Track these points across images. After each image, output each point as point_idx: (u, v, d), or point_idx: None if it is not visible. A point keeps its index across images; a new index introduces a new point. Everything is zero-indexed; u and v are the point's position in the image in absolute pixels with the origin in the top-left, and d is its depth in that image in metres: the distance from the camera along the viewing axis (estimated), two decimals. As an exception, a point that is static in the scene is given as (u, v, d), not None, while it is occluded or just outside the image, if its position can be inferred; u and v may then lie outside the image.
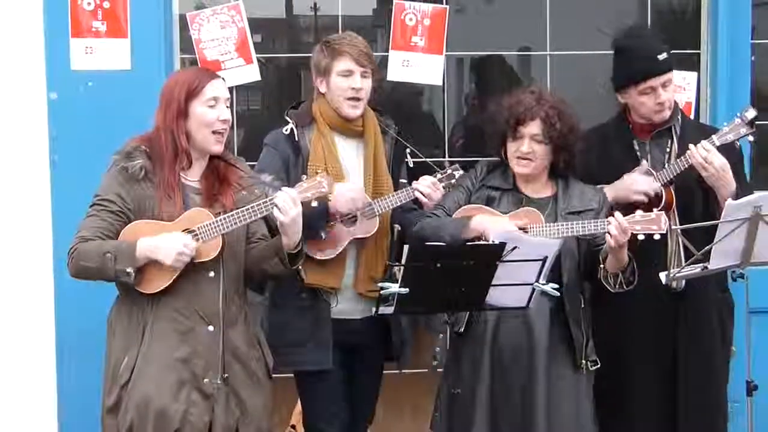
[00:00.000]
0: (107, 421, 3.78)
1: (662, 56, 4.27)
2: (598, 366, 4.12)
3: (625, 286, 3.99)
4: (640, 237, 3.89)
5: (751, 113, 4.18)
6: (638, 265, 3.98)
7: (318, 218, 4.10)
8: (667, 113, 4.31)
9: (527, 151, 4.07)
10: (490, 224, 4.00)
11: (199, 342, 3.75)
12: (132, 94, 4.78)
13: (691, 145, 4.18)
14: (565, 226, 4.00)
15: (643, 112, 4.32)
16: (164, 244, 3.66)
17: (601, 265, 3.99)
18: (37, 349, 4.98)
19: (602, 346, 4.19)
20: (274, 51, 5.95)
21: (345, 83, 4.25)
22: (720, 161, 4.12)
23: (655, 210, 3.97)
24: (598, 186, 4.24)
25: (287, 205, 3.68)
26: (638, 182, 4.23)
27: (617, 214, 3.90)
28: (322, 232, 4.18)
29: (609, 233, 3.85)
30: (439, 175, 4.29)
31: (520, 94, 4.14)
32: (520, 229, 4.00)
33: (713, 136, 4.21)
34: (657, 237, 3.91)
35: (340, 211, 4.17)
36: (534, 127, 4.05)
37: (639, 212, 3.92)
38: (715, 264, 3.95)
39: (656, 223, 3.90)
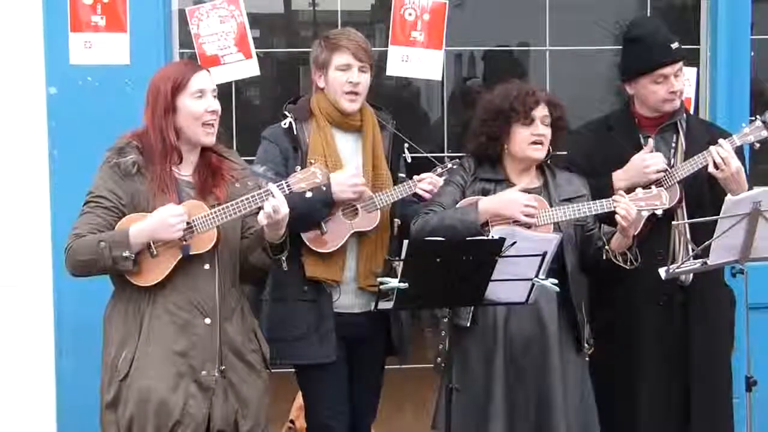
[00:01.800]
0: (107, 417, 3.77)
1: (675, 45, 4.30)
2: (591, 350, 4.17)
3: (634, 263, 4.01)
4: (644, 214, 3.92)
5: None
6: (644, 259, 4.01)
7: (320, 209, 4.10)
8: (678, 103, 4.33)
9: (542, 133, 4.11)
10: (500, 203, 4.05)
11: (197, 335, 3.75)
12: (131, 89, 4.77)
13: (712, 147, 4.17)
14: (572, 208, 4.04)
15: (653, 102, 4.32)
16: (156, 221, 3.65)
17: (606, 247, 4.02)
18: (36, 345, 4.98)
19: (612, 341, 4.21)
20: (273, 46, 5.95)
21: (343, 77, 4.25)
22: (736, 164, 4.13)
23: (653, 187, 4.00)
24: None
25: (270, 213, 3.67)
26: (650, 161, 4.23)
27: (620, 192, 3.96)
28: (324, 226, 4.18)
29: (619, 214, 3.90)
30: (439, 170, 4.30)
31: (516, 85, 4.18)
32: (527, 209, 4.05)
33: (734, 137, 4.20)
34: (659, 212, 3.95)
35: (344, 199, 4.17)
36: (543, 110, 4.11)
37: (640, 190, 3.98)
38: (714, 259, 3.96)
39: (658, 199, 3.96)
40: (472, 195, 4.18)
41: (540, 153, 4.13)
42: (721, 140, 4.17)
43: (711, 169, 4.14)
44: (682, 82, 4.33)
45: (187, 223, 3.69)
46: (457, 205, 4.16)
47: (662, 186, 4.17)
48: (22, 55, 4.91)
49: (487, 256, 3.70)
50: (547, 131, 4.11)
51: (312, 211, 4.04)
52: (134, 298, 3.76)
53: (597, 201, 4.05)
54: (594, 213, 4.05)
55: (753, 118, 4.27)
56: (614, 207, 3.94)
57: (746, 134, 4.22)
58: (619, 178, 4.26)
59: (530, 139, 4.11)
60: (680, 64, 4.30)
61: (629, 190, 4.02)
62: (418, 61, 5.16)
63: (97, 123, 4.75)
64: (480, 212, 4.05)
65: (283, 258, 3.89)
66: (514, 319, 4.06)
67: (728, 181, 4.15)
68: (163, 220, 3.65)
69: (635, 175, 4.23)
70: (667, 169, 4.24)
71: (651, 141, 4.30)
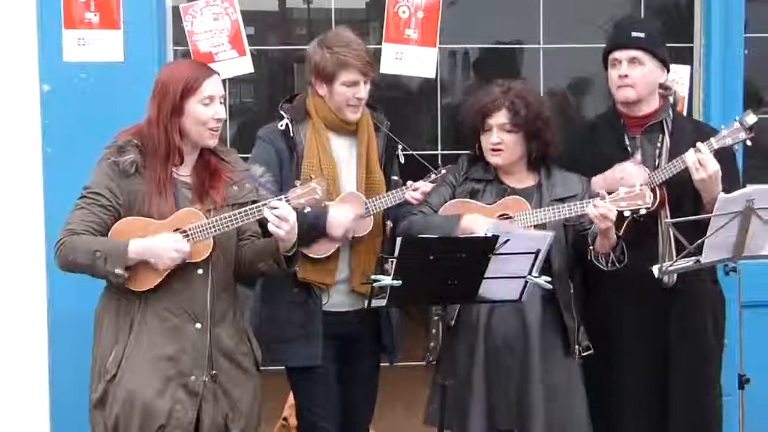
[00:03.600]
0: (94, 416, 3.76)
1: (636, 33, 4.31)
2: (591, 351, 4.17)
3: (617, 264, 4.01)
4: (627, 213, 3.92)
5: (752, 119, 4.12)
6: (629, 259, 4.01)
7: (310, 233, 4.08)
8: (631, 93, 4.30)
9: (496, 141, 4.13)
10: (479, 225, 4.03)
11: (187, 339, 3.74)
12: (125, 86, 4.77)
13: (691, 150, 4.16)
14: (551, 210, 4.05)
15: (612, 89, 4.37)
16: (157, 247, 3.65)
17: (591, 247, 4.02)
18: (29, 343, 4.97)
19: (594, 340, 4.20)
20: (268, 43, 5.94)
21: (350, 92, 4.22)
22: (714, 168, 4.09)
23: (638, 184, 3.99)
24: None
25: (279, 222, 3.67)
26: (630, 174, 4.21)
27: (602, 192, 3.96)
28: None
29: (592, 216, 3.90)
30: (433, 176, 4.29)
31: (488, 88, 4.21)
32: (506, 218, 4.04)
33: (711, 140, 4.17)
34: (643, 212, 3.94)
35: (334, 235, 4.16)
36: (500, 117, 4.12)
37: (622, 189, 3.96)
38: (707, 258, 3.96)
39: (641, 198, 3.94)
40: (461, 195, 4.19)
41: (497, 159, 4.15)
42: (698, 144, 4.15)
43: (691, 168, 4.12)
44: (640, 73, 4.29)
45: (184, 232, 3.70)
46: (443, 207, 4.19)
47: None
48: (15, 52, 4.90)
49: (479, 253, 3.70)
50: (508, 137, 4.11)
51: (302, 234, 3.95)
52: (126, 298, 3.74)
53: (576, 203, 4.05)
54: (573, 215, 4.03)
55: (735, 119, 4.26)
56: (592, 210, 3.91)
57: (724, 136, 4.17)
58: (596, 182, 4.25)
59: (489, 146, 4.14)
60: (634, 52, 4.29)
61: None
62: (411, 59, 5.16)
63: (91, 120, 4.75)
64: (460, 228, 4.05)
65: (296, 269, 3.91)
66: (497, 317, 4.07)
67: (703, 184, 4.12)
68: (164, 249, 3.64)
69: (612, 181, 4.21)
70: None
71: (638, 155, 4.29)
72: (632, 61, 4.30)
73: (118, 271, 3.62)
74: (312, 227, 4.06)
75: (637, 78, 4.29)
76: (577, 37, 5.50)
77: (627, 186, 4.07)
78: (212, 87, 3.78)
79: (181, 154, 3.78)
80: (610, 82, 4.38)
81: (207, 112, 3.76)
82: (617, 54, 4.32)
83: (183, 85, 3.73)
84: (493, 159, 4.16)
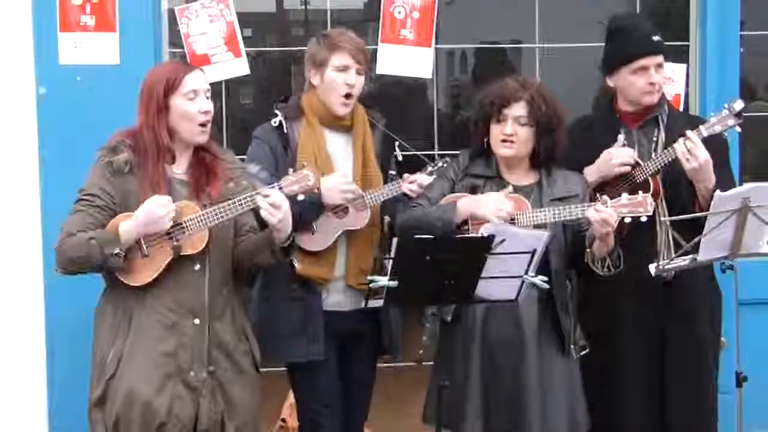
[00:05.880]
0: (94, 415, 3.77)
1: (656, 38, 4.29)
2: (587, 351, 4.15)
3: (612, 269, 4.00)
4: (627, 220, 3.91)
5: (739, 104, 4.14)
6: (626, 255, 4.01)
7: (310, 210, 4.10)
8: (657, 97, 4.31)
9: (510, 133, 4.07)
10: (478, 204, 4.02)
11: (185, 335, 3.75)
12: (121, 89, 4.76)
13: (680, 139, 4.16)
14: (552, 211, 4.02)
15: (633, 94, 4.32)
16: (143, 215, 3.64)
17: (588, 250, 4.01)
18: (27, 344, 4.97)
19: (592, 336, 4.20)
20: (265, 45, 5.96)
21: (340, 78, 4.23)
22: (703, 157, 4.08)
23: (640, 192, 3.99)
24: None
25: (272, 210, 3.67)
26: (615, 153, 4.23)
27: (604, 198, 3.93)
28: (315, 225, 4.18)
29: (593, 221, 3.87)
30: (429, 168, 4.30)
31: (503, 82, 4.16)
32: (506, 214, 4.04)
33: (701, 127, 4.18)
34: (644, 219, 3.93)
35: (333, 203, 4.18)
36: (518, 109, 4.06)
37: (625, 195, 3.94)
38: (704, 256, 3.96)
39: (642, 206, 3.92)
40: (461, 190, 4.16)
41: (508, 151, 4.08)
42: (688, 132, 4.15)
43: (681, 158, 4.13)
44: (662, 76, 4.31)
45: (179, 224, 3.70)
46: (441, 201, 4.16)
47: (635, 181, 4.18)
48: (11, 56, 4.90)
49: (476, 253, 3.70)
50: (523, 130, 4.06)
51: (302, 212, 4.01)
52: (124, 296, 3.76)
53: (579, 205, 4.02)
54: (575, 217, 4.01)
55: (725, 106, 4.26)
56: (593, 214, 3.88)
57: (713, 124, 4.16)
58: (590, 171, 4.27)
59: (500, 137, 4.10)
60: (660, 58, 4.28)
61: (611, 193, 4.01)
62: (407, 59, 5.16)
63: (87, 123, 4.74)
64: (458, 211, 4.04)
65: (293, 259, 3.91)
66: (493, 318, 4.04)
67: (695, 173, 4.11)
68: (150, 213, 3.64)
69: (603, 167, 4.25)
70: (634, 163, 4.23)
71: (621, 136, 4.29)
72: (658, 66, 4.28)
73: (115, 251, 3.62)
74: (311, 204, 4.05)
75: (661, 82, 4.31)
76: (574, 36, 5.51)
77: (616, 167, 4.13)
78: (194, 81, 3.80)
79: (171, 152, 3.80)
80: (631, 89, 4.31)
81: (192, 107, 3.78)
82: (645, 61, 4.26)
83: (164, 83, 3.77)
84: (503, 151, 4.09)
